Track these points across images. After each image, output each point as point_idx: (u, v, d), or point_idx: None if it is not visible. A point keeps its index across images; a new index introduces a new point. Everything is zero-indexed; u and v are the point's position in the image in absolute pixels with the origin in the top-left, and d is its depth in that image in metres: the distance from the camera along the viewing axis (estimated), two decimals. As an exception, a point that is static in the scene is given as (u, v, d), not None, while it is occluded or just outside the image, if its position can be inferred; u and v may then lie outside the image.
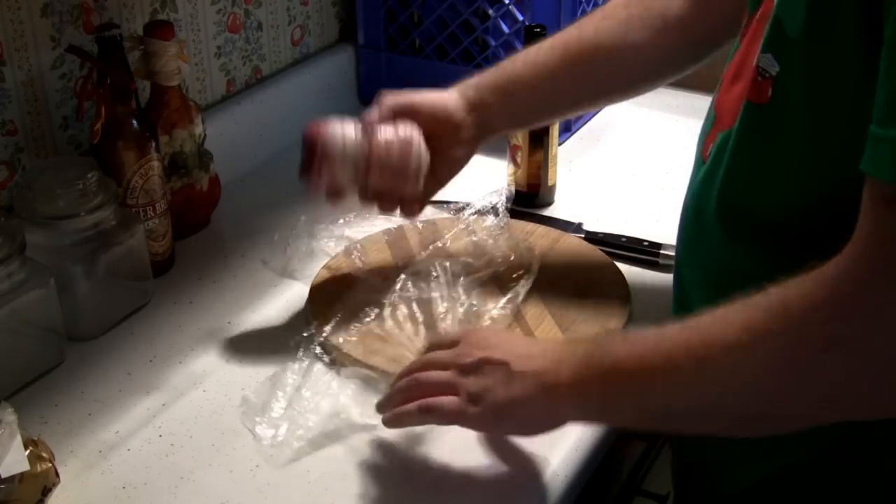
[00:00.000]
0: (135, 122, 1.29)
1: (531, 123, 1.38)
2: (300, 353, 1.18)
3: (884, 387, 0.81)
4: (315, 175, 1.17)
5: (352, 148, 1.17)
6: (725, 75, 1.04)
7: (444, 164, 1.23)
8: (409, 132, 1.18)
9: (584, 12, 1.67)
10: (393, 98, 1.22)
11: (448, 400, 1.01)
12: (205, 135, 1.44)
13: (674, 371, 0.89)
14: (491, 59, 1.65)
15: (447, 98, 1.23)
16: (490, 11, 1.69)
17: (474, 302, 1.23)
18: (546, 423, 1.01)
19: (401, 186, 1.19)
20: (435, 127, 1.21)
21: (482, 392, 0.99)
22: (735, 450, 1.05)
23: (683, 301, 1.10)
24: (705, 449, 1.10)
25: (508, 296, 1.25)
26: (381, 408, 1.06)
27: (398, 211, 1.23)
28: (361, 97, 1.86)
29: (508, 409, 0.99)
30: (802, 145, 0.88)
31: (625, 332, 0.93)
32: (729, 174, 0.97)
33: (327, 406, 1.11)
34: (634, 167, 1.61)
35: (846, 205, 0.81)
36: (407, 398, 1.03)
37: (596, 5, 1.72)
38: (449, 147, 1.23)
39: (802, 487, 1.02)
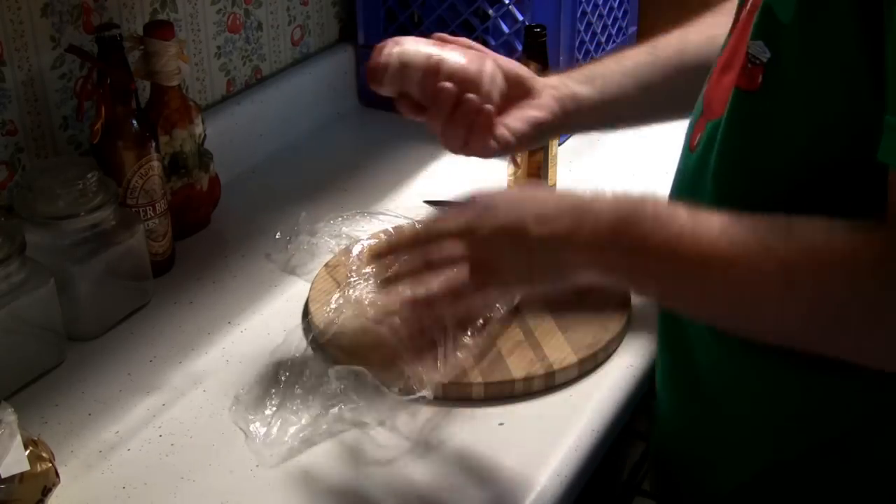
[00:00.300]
0: (135, 122, 1.29)
1: (613, 128, 1.33)
2: (295, 351, 1.18)
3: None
4: (380, 76, 1.14)
5: (417, 51, 1.14)
6: (715, 68, 1.04)
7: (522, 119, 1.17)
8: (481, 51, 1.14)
9: (583, 13, 1.67)
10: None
11: (455, 287, 0.99)
12: (205, 135, 1.44)
13: (702, 275, 0.90)
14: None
15: (537, 78, 1.19)
16: (490, 11, 1.69)
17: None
18: (557, 281, 0.99)
19: (473, 94, 1.12)
20: (516, 93, 1.17)
21: (495, 266, 0.98)
22: (722, 448, 1.06)
23: None
24: (691, 447, 1.11)
25: (503, 303, 1.24)
26: (381, 274, 1.05)
27: (468, 146, 1.15)
28: (361, 97, 1.86)
29: (521, 281, 1.00)
30: (795, 130, 0.88)
31: (653, 205, 0.91)
32: (721, 162, 0.97)
33: (320, 404, 1.11)
34: (634, 167, 1.61)
35: (840, 187, 0.84)
36: (412, 274, 1.02)
37: (596, 6, 1.72)
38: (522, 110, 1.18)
39: (794, 484, 1.02)
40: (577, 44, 1.69)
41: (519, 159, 1.49)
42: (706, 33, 1.16)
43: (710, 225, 0.89)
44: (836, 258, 0.83)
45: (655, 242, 0.91)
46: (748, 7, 0.98)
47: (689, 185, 1.03)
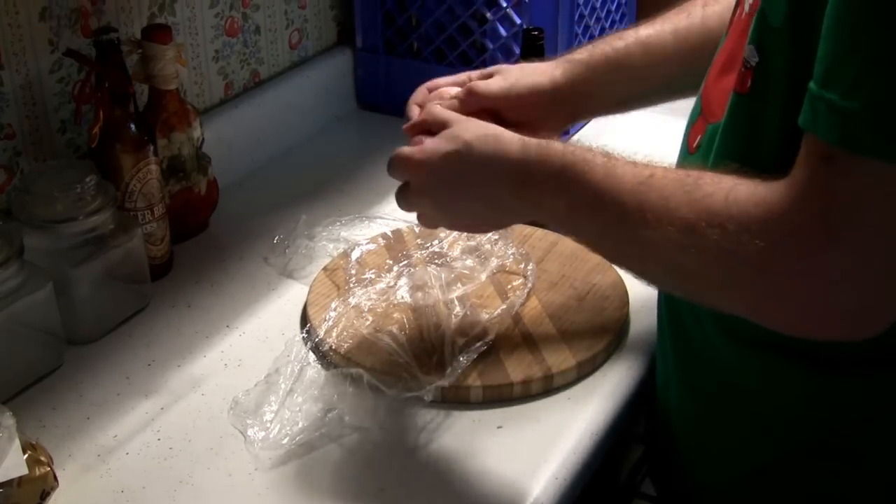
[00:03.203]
0: (133, 125, 1.29)
1: (630, 106, 1.32)
2: (293, 355, 1.18)
3: (793, 311, 0.86)
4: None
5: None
6: (713, 67, 1.05)
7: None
8: None
9: (581, 15, 1.68)
10: (483, 92, 1.19)
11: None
12: (203, 138, 1.45)
13: (615, 231, 0.97)
14: (488, 63, 1.65)
15: (544, 89, 1.21)
16: (488, 15, 1.69)
17: (468, 312, 1.23)
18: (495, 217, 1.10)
19: None
20: (521, 117, 1.19)
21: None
22: (711, 446, 1.07)
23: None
24: (689, 447, 1.12)
25: (503, 306, 1.24)
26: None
27: None
28: (359, 100, 1.86)
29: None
30: (784, 132, 0.89)
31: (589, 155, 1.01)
32: (718, 165, 0.97)
33: (319, 408, 1.11)
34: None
35: None
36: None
37: (594, 9, 1.72)
38: (532, 132, 1.20)
39: (786, 482, 1.02)
40: (575, 46, 1.69)
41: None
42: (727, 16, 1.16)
43: (624, 181, 0.95)
44: (733, 216, 0.86)
45: (580, 193, 0.98)
46: (746, 9, 0.98)
47: None
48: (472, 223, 1.13)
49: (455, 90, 1.21)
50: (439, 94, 1.21)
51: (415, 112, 1.18)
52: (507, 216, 1.10)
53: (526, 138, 1.04)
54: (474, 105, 1.18)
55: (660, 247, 0.93)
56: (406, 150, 1.09)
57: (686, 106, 1.12)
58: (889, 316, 0.84)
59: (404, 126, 1.16)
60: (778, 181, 0.85)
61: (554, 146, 1.01)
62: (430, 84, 1.23)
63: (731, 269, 0.88)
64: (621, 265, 1.09)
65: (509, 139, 1.04)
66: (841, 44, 0.79)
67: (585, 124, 1.76)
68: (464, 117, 1.09)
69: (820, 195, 0.81)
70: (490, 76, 1.22)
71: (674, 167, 0.98)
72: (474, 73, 1.23)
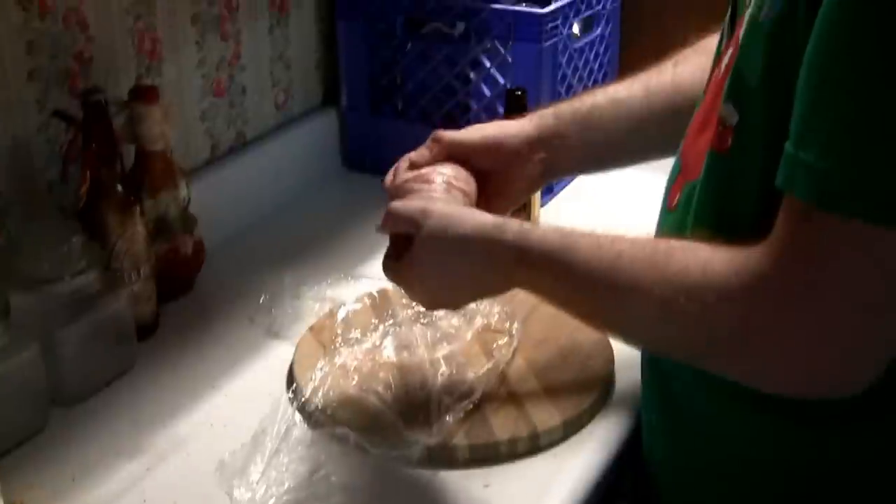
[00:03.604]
0: (120, 185, 1.30)
1: (604, 164, 1.33)
2: (279, 415, 1.18)
3: (780, 371, 0.88)
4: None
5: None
6: (692, 126, 1.06)
7: (503, 196, 1.23)
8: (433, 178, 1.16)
9: (564, 75, 1.69)
10: (448, 138, 1.20)
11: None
12: (189, 198, 1.45)
13: (592, 303, 1.02)
14: (473, 121, 1.66)
15: (512, 136, 1.21)
16: (472, 75, 1.71)
17: (454, 371, 1.23)
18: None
19: None
20: (493, 165, 1.21)
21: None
22: (697, 501, 1.08)
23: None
24: (665, 500, 1.13)
25: (489, 365, 1.25)
26: None
27: None
28: (345, 160, 1.87)
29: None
30: (764, 191, 0.90)
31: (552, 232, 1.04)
32: (697, 223, 0.98)
33: (306, 468, 1.11)
34: (620, 228, 1.62)
35: None
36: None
37: (575, 69, 1.74)
38: (508, 182, 1.22)
39: None
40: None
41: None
42: (699, 76, 1.16)
43: (600, 258, 0.97)
44: (713, 288, 0.88)
45: (553, 268, 1.01)
46: (722, 69, 0.99)
47: None
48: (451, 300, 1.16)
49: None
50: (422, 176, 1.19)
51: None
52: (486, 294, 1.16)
53: (485, 221, 1.06)
54: (441, 153, 1.19)
55: (639, 323, 0.97)
56: (393, 265, 1.12)
57: (667, 163, 1.13)
58: (873, 371, 0.84)
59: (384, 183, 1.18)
60: (756, 245, 0.86)
61: (507, 231, 1.05)
62: (413, 156, 1.21)
63: (715, 336, 0.89)
64: (607, 334, 1.13)
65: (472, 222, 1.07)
66: (815, 104, 0.80)
67: (569, 182, 1.77)
68: (429, 209, 1.09)
69: (801, 256, 0.82)
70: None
71: (638, 236, 0.99)
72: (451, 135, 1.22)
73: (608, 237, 0.99)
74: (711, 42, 1.11)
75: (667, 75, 1.22)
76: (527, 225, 1.07)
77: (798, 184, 0.81)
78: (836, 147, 0.79)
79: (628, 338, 1.08)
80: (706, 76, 1.08)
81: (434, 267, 1.09)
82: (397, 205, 1.12)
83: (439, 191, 1.13)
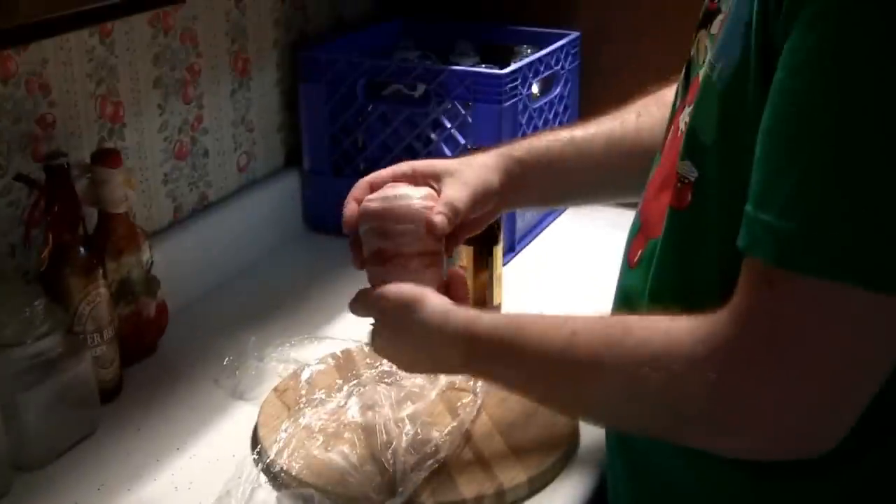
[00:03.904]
0: (82, 248, 1.30)
1: (561, 203, 1.35)
2: (244, 476, 1.17)
3: (748, 436, 0.88)
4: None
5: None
6: (650, 185, 1.07)
7: (462, 229, 1.21)
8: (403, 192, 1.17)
9: (523, 134, 1.71)
10: (457, 205, 1.16)
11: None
12: (152, 261, 1.45)
13: (551, 385, 1.02)
14: (435, 182, 1.67)
15: (492, 182, 1.20)
16: (433, 136, 1.72)
17: (419, 431, 1.23)
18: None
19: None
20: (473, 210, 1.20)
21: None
22: None
23: None
24: None
25: (454, 423, 1.25)
26: None
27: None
28: (307, 222, 1.88)
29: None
30: (723, 246, 0.91)
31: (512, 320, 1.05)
32: (658, 279, 0.99)
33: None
34: (582, 285, 1.63)
35: None
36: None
37: (535, 128, 1.76)
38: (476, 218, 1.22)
39: None
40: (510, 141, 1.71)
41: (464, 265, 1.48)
42: (657, 130, 1.17)
43: (552, 339, 0.98)
44: (678, 356, 0.88)
45: (505, 357, 1.02)
46: (679, 128, 1.01)
47: (629, 301, 1.06)
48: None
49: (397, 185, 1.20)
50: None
51: (352, 208, 1.18)
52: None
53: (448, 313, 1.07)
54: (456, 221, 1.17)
55: (603, 401, 0.97)
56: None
57: (628, 220, 1.14)
58: (843, 428, 0.85)
59: (344, 220, 1.17)
60: (718, 311, 0.86)
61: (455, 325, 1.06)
62: (370, 178, 1.21)
63: (681, 406, 0.90)
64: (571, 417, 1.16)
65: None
66: (774, 166, 0.82)
67: (531, 241, 1.78)
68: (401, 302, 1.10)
69: (764, 318, 0.83)
70: (434, 167, 1.21)
71: (589, 315, 1.00)
72: (417, 164, 1.23)
73: (560, 317, 0.99)
74: (669, 94, 1.12)
75: (630, 126, 1.24)
76: (472, 313, 1.07)
77: (759, 244, 0.82)
78: (797, 207, 0.80)
79: (592, 418, 1.10)
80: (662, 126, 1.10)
81: (395, 344, 1.13)
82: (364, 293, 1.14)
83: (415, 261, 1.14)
